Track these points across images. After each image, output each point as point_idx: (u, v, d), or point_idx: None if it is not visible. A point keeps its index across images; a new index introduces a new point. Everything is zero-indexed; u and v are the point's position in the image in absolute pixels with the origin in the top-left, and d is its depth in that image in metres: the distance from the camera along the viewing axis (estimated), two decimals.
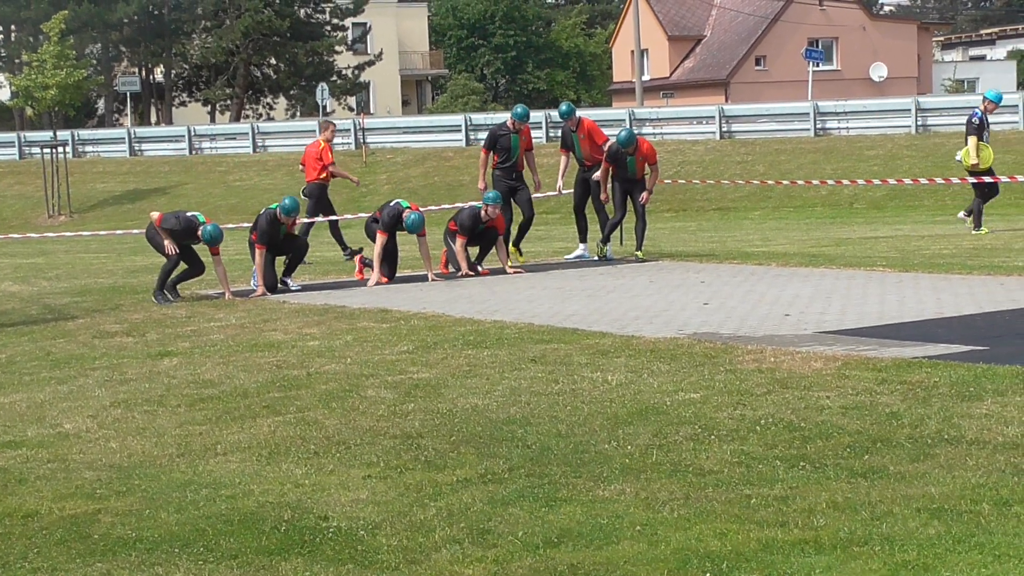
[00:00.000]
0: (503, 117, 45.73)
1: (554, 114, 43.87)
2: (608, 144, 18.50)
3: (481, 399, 9.00)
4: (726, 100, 58.17)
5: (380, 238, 16.54)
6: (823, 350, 10.16)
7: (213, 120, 66.61)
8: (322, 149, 21.44)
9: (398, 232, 16.90)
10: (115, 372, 10.95)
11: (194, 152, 48.08)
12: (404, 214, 16.48)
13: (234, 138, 48.65)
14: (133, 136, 49.84)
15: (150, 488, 7.17)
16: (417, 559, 5.80)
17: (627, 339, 11.13)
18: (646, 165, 18.32)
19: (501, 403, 8.84)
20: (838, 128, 39.62)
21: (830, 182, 30.83)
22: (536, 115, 44.35)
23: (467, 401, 8.96)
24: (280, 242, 16.25)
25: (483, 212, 17.05)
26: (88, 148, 49.99)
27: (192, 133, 48.82)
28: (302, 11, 66.18)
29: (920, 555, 5.47)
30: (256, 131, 48.13)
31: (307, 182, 21.69)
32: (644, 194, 18.31)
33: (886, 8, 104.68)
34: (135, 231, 28.52)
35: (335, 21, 67.46)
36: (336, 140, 45.37)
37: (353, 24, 71.69)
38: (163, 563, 5.91)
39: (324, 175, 21.39)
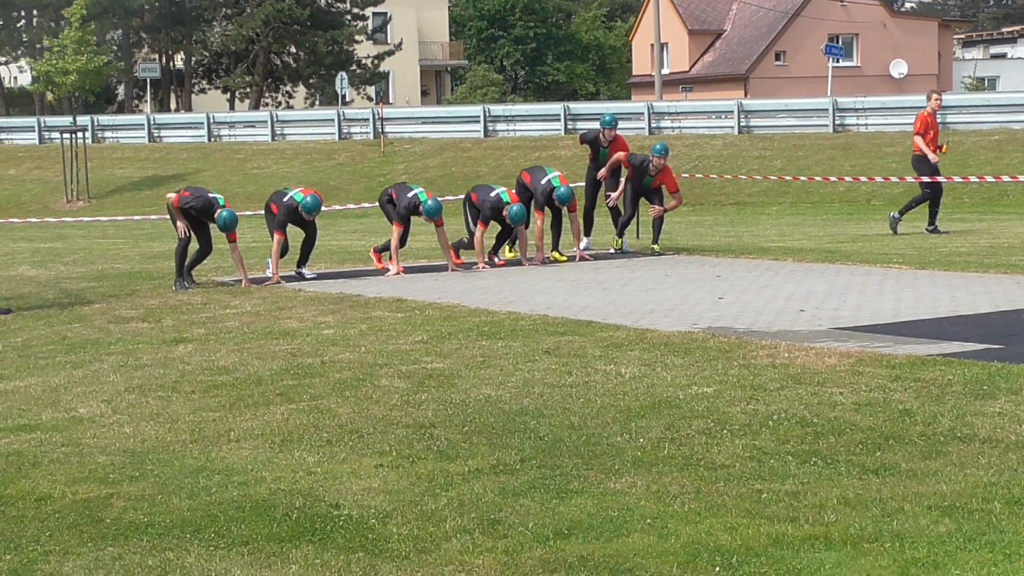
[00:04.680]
0: (522, 109, 45.98)
1: (572, 106, 43.92)
2: (631, 155, 18.65)
3: (494, 390, 9.01)
4: (745, 95, 57.99)
5: (397, 229, 16.50)
6: (837, 346, 10.15)
7: (232, 107, 66.59)
8: (920, 118, 21.31)
9: (414, 218, 16.94)
10: (130, 357, 10.98)
11: (213, 139, 48.09)
12: (421, 207, 16.49)
13: (253, 126, 48.61)
14: (152, 122, 49.85)
15: (163, 473, 7.19)
16: (427, 548, 5.81)
17: (641, 332, 11.13)
18: (663, 188, 18.56)
19: (514, 394, 8.84)
20: (857, 124, 39.47)
21: (848, 178, 30.75)
22: (555, 107, 44.40)
23: (480, 392, 8.97)
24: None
25: (504, 213, 16.98)
26: (107, 134, 50.02)
27: (211, 120, 48.81)
28: (323, 0, 66.13)
29: (930, 553, 5.46)
30: (275, 119, 48.10)
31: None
32: (657, 207, 18.48)
33: (907, 5, 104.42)
34: (153, 217, 28.58)
35: (355, 10, 67.31)
36: (354, 130, 45.92)
37: (373, 14, 71.53)
38: (174, 548, 5.93)
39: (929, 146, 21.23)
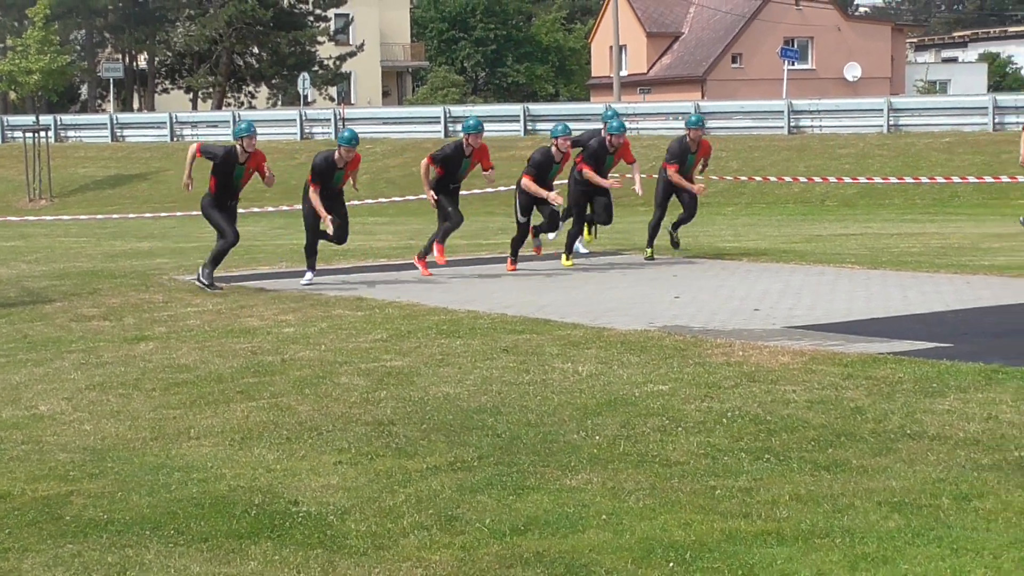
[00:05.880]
0: (482, 110, 45.93)
1: (532, 107, 43.95)
2: (671, 145, 17.73)
3: (453, 388, 9.00)
4: (702, 97, 58.19)
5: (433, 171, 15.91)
6: (791, 345, 10.19)
7: (195, 107, 66.36)
8: None
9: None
10: (91, 355, 10.91)
11: (175, 139, 47.93)
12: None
13: (215, 125, 48.47)
14: (115, 122, 49.64)
15: (123, 471, 7.15)
16: (385, 544, 5.80)
17: (598, 331, 11.14)
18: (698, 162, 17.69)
19: (472, 392, 8.84)
20: (811, 126, 39.68)
21: (803, 179, 30.88)
22: (515, 108, 44.41)
23: (439, 389, 8.96)
24: (332, 192, 15.28)
25: (554, 148, 16.24)
26: (70, 133, 49.78)
27: (174, 120, 48.66)
28: (285, 1, 65.90)
29: (880, 548, 5.49)
30: (238, 119, 47.87)
31: None
32: (699, 185, 17.72)
33: (861, 9, 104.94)
34: (115, 216, 28.44)
35: (318, 12, 67.22)
36: (316, 130, 45.79)
37: (336, 15, 71.44)
38: (134, 545, 5.89)
39: None
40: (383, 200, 34.42)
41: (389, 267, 17.16)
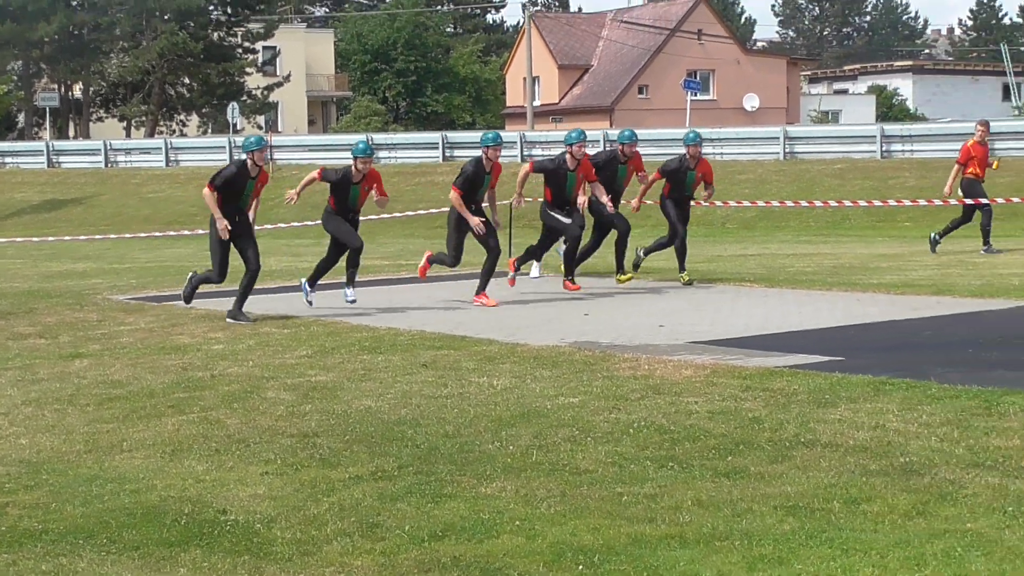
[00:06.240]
0: (403, 137, 45.80)
1: (450, 135, 43.90)
2: (666, 162, 16.95)
3: (374, 401, 8.97)
4: (611, 125, 58.43)
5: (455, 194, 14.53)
6: (694, 359, 10.25)
7: (129, 135, 65.67)
8: (964, 148, 20.53)
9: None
10: (27, 372, 10.77)
11: (110, 165, 47.38)
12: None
13: (148, 152, 47.99)
14: (51, 149, 49.00)
15: (57, 482, 7.06)
16: (310, 551, 5.77)
17: (513, 347, 11.15)
18: (702, 184, 16.67)
19: (393, 405, 8.81)
20: (713, 153, 39.85)
21: (704, 204, 31.08)
22: (434, 136, 44.38)
23: (361, 403, 8.93)
24: (350, 211, 14.27)
25: (568, 156, 15.34)
26: (7, 160, 49.06)
27: (108, 147, 48.10)
28: (216, 34, 65.51)
29: (776, 549, 5.53)
30: (169, 146, 47.53)
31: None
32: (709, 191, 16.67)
33: (759, 44, 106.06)
34: (51, 238, 28.07)
35: (247, 44, 66.92)
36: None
37: (264, 47, 71.18)
38: (67, 554, 5.82)
39: (971, 171, 20.46)
40: (309, 223, 34.18)
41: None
